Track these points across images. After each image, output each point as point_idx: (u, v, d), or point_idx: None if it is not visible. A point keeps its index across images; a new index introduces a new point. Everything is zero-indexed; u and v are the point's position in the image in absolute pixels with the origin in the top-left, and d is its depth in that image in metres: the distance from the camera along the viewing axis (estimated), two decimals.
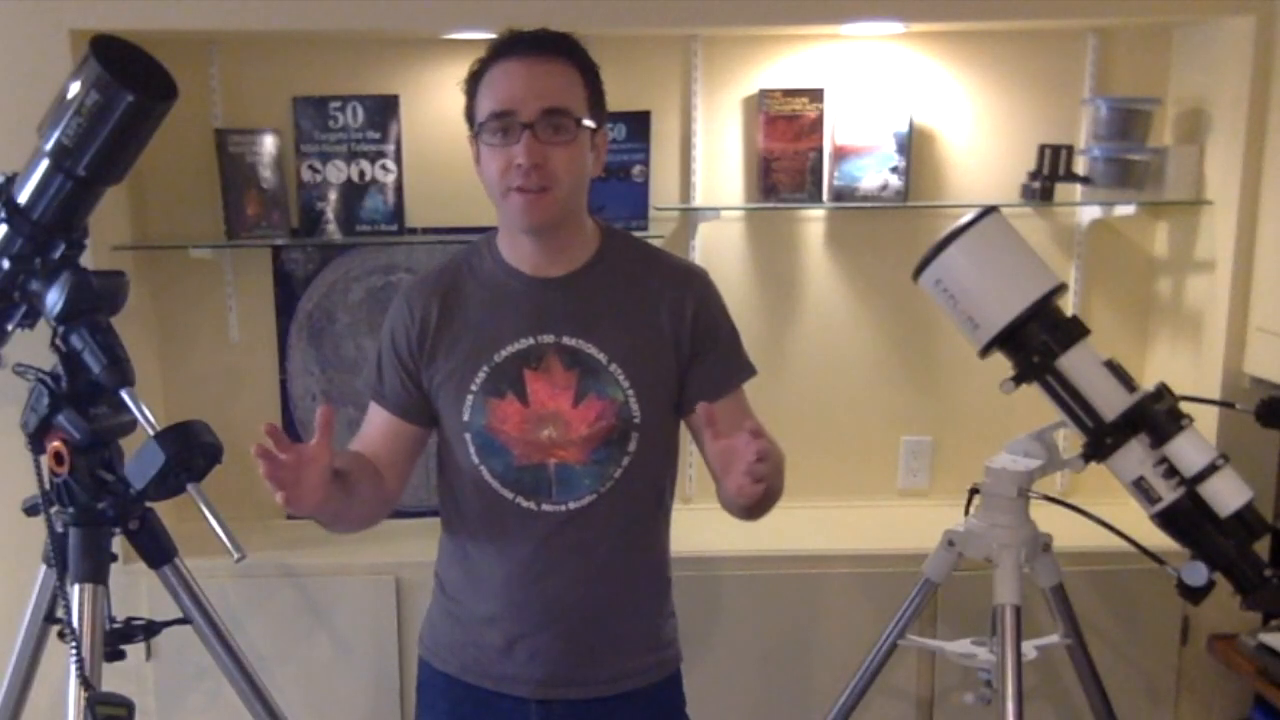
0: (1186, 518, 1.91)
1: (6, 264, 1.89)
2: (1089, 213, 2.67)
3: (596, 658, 1.72)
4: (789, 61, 2.66)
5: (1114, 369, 1.95)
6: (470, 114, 1.64)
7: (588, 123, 1.61)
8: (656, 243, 2.67)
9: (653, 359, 1.67)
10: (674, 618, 1.82)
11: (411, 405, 1.72)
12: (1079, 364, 1.95)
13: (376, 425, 1.75)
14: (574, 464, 1.65)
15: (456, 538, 1.77)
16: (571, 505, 1.66)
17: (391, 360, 1.73)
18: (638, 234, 2.60)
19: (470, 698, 1.75)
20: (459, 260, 1.77)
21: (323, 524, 1.65)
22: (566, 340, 1.65)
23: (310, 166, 2.62)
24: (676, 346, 1.68)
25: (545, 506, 1.66)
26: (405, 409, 1.73)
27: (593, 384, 1.64)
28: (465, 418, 1.67)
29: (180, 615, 2.09)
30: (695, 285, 1.72)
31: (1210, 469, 1.88)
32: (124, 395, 1.82)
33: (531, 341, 1.65)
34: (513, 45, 1.59)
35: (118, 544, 2.03)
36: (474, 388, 1.66)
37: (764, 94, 2.62)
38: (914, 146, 2.64)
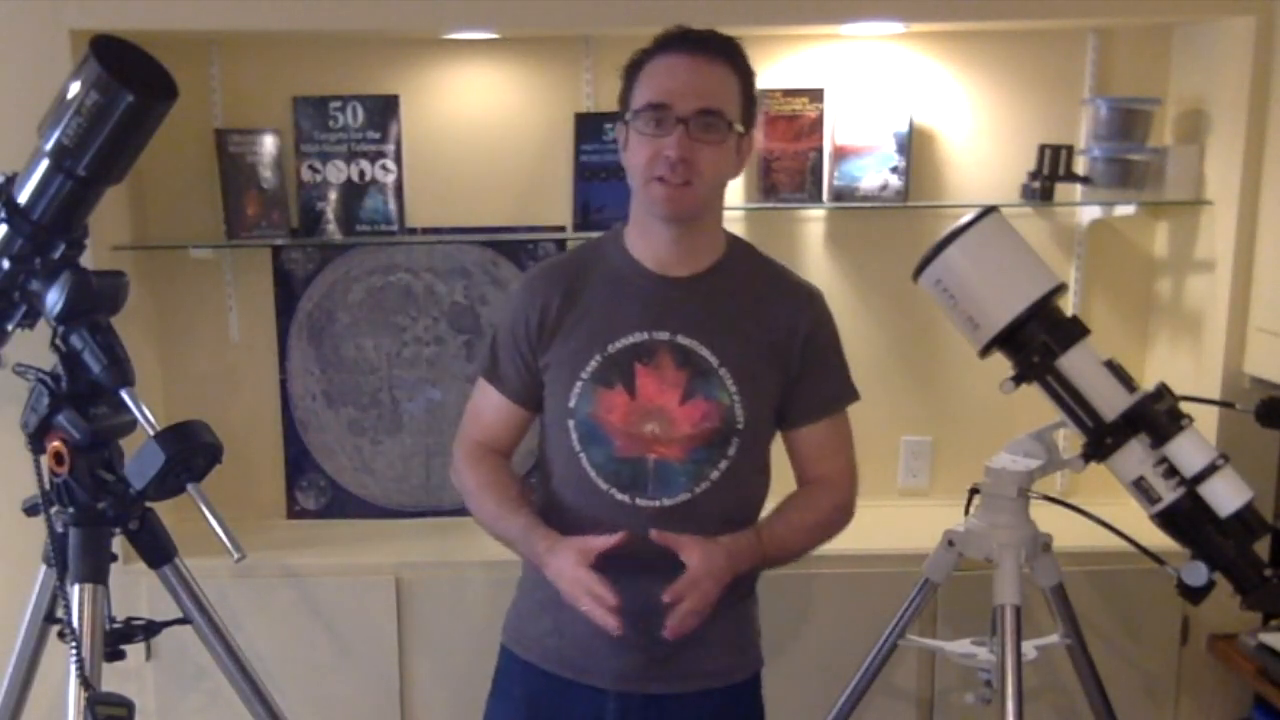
0: (1186, 518, 1.91)
1: (6, 264, 1.89)
2: (1089, 213, 2.67)
3: (678, 655, 1.72)
4: (789, 61, 2.65)
5: (1114, 369, 1.95)
6: (625, 100, 1.67)
7: (738, 127, 1.64)
8: None
9: (762, 369, 1.69)
10: (757, 622, 1.84)
11: (527, 390, 1.76)
12: (1079, 364, 1.95)
13: (492, 409, 1.79)
14: (673, 461, 1.67)
15: (550, 524, 1.75)
16: (666, 502, 1.67)
17: (510, 345, 1.75)
18: None
19: (549, 687, 1.76)
20: (584, 251, 1.81)
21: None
22: (681, 339, 1.67)
23: (310, 166, 2.62)
24: (786, 362, 1.71)
25: (640, 501, 1.67)
26: (521, 394, 1.77)
27: (701, 385, 1.66)
28: (571, 404, 1.69)
29: (180, 615, 2.09)
30: (812, 305, 1.76)
31: (1210, 469, 1.88)
32: (124, 395, 1.82)
33: (646, 336, 1.67)
34: (679, 41, 1.63)
35: (118, 544, 2.02)
36: (584, 375, 1.68)
37: (764, 94, 2.62)
38: (914, 146, 2.64)
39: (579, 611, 1.65)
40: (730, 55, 1.65)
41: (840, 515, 1.80)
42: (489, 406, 1.80)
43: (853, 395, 1.80)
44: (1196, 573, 1.91)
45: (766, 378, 1.70)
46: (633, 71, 1.66)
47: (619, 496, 1.68)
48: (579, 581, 1.60)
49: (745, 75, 1.66)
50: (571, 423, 1.69)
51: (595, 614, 1.60)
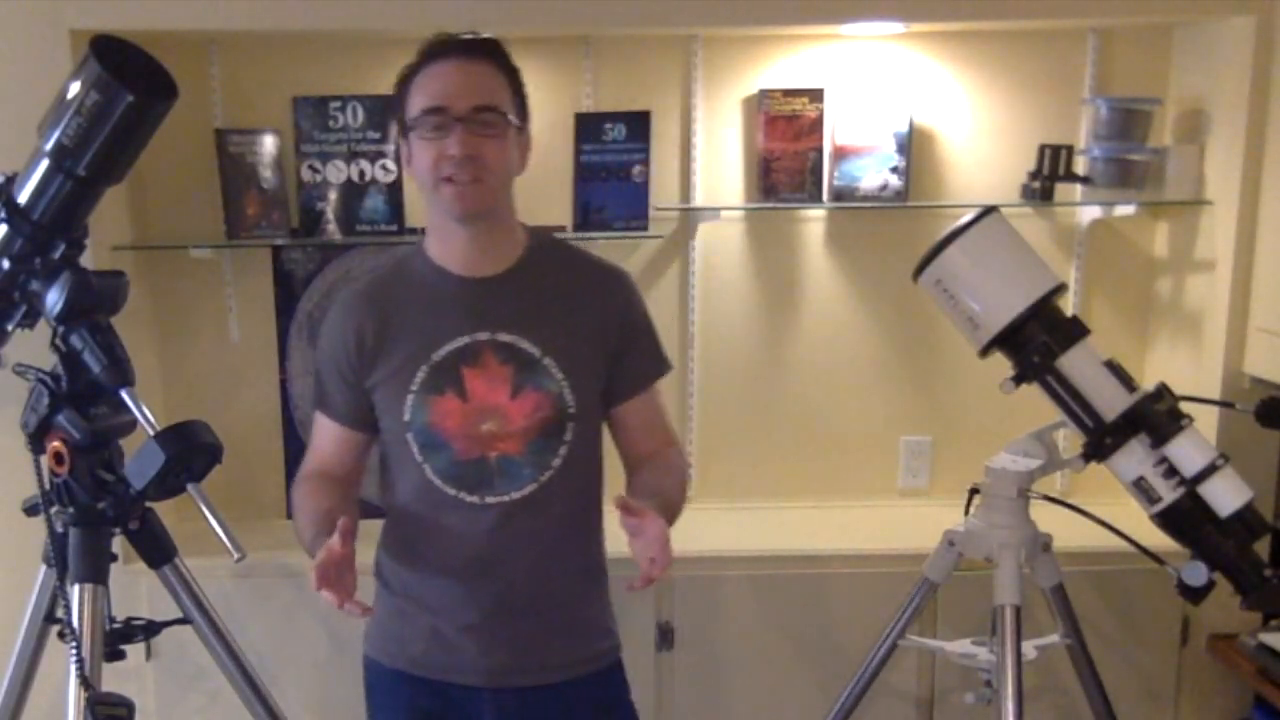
0: (1186, 518, 1.91)
1: (6, 264, 1.89)
2: (1089, 213, 2.67)
3: (545, 645, 1.77)
4: (789, 61, 2.66)
5: (1114, 369, 1.95)
6: (400, 116, 1.70)
7: (515, 120, 1.67)
8: (655, 243, 2.70)
9: (583, 352, 1.73)
10: (611, 606, 1.87)
11: (355, 413, 1.78)
12: (1079, 364, 1.95)
13: (326, 437, 1.81)
14: (514, 455, 1.70)
15: (404, 536, 1.80)
16: (514, 495, 1.71)
17: (333, 372, 1.77)
18: (637, 234, 2.61)
19: (422, 691, 1.79)
20: (390, 269, 1.82)
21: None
22: (502, 336, 1.70)
23: (310, 166, 2.62)
24: (604, 342, 1.75)
25: (489, 499, 1.71)
26: (350, 418, 1.78)
27: (529, 377, 1.69)
28: (406, 417, 1.71)
29: (180, 615, 2.09)
30: (621, 285, 1.82)
31: (1210, 469, 1.88)
32: (124, 395, 1.82)
33: (468, 339, 1.70)
34: (443, 49, 1.67)
35: (118, 544, 2.02)
36: (414, 387, 1.70)
37: (764, 94, 2.62)
38: (914, 146, 2.64)
39: (443, 614, 1.74)
40: (494, 55, 1.68)
41: (686, 470, 1.85)
42: (324, 436, 1.81)
43: (667, 367, 1.86)
44: (1196, 573, 1.91)
45: (590, 361, 1.74)
46: (404, 86, 1.69)
47: (468, 498, 1.71)
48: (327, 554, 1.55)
49: (512, 74, 1.70)
50: (409, 435, 1.71)
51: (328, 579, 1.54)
